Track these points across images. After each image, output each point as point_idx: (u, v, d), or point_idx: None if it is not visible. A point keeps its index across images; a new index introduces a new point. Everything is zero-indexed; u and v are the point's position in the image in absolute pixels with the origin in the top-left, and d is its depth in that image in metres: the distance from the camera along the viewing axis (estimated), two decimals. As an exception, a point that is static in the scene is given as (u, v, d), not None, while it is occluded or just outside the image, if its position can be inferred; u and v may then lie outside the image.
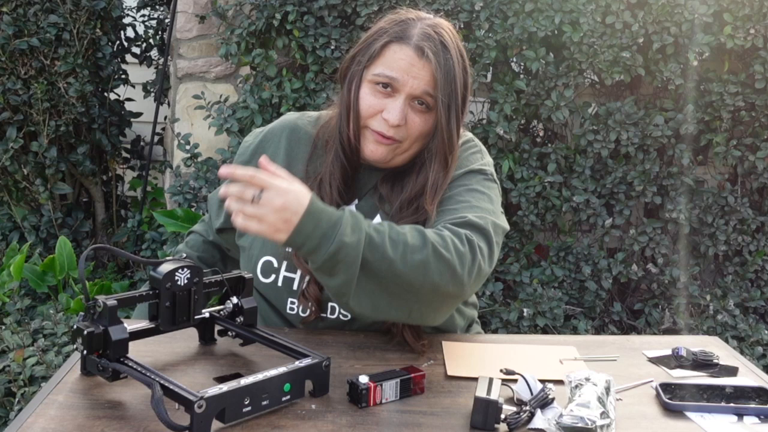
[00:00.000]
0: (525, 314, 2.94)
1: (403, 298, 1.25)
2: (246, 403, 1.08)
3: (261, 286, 1.49)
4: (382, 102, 1.41)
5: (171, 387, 1.05)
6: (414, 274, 1.22)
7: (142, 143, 4.00)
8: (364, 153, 1.45)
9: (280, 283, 1.47)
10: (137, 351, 1.18)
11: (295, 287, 1.46)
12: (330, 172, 1.47)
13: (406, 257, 1.22)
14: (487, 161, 1.52)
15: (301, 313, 1.47)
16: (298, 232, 1.18)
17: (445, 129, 1.40)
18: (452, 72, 1.39)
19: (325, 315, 1.47)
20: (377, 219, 1.47)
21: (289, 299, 1.47)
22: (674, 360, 1.41)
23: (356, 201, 1.51)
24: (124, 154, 3.90)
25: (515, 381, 1.20)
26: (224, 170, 1.17)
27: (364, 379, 1.17)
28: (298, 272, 1.46)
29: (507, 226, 1.43)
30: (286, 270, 1.47)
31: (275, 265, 1.48)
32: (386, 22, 1.45)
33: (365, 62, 1.43)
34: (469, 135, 1.57)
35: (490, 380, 1.17)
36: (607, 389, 1.16)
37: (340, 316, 1.47)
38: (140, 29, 4.00)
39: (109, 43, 3.56)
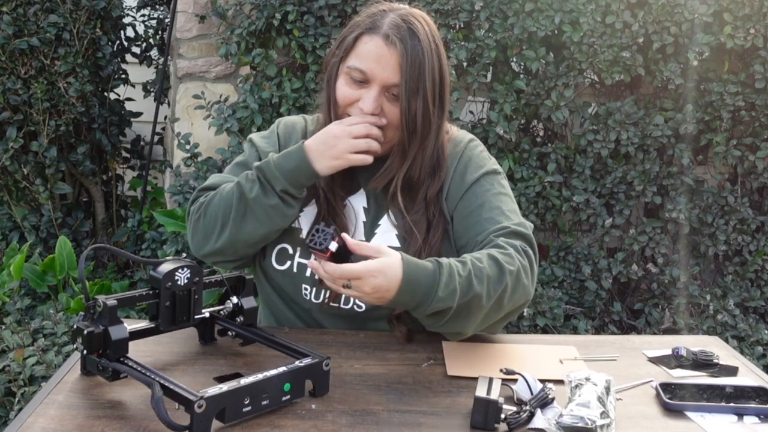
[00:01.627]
0: (525, 314, 2.94)
1: (488, 317, 1.37)
2: (246, 402, 1.08)
3: (276, 273, 1.52)
4: (358, 92, 1.46)
5: (171, 387, 1.05)
6: (498, 300, 1.34)
7: (142, 143, 3.99)
8: None
9: (295, 269, 1.51)
10: (137, 351, 1.18)
11: (308, 273, 1.50)
12: None
13: (490, 289, 1.32)
14: (493, 159, 1.59)
15: (313, 299, 1.50)
16: (396, 302, 1.28)
17: (406, 112, 1.43)
18: (419, 57, 1.42)
19: (338, 305, 1.49)
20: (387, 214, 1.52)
21: (303, 285, 1.50)
22: (674, 360, 1.41)
23: (361, 190, 1.54)
24: (124, 154, 3.90)
25: (515, 381, 1.20)
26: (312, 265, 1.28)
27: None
28: (312, 258, 1.48)
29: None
30: (300, 256, 1.51)
31: (290, 251, 1.52)
32: (361, 16, 1.50)
33: (341, 55, 1.48)
34: (470, 135, 1.61)
35: (490, 380, 1.17)
36: (607, 389, 1.16)
37: (355, 307, 1.49)
38: (140, 29, 4.00)
39: (109, 43, 3.56)
